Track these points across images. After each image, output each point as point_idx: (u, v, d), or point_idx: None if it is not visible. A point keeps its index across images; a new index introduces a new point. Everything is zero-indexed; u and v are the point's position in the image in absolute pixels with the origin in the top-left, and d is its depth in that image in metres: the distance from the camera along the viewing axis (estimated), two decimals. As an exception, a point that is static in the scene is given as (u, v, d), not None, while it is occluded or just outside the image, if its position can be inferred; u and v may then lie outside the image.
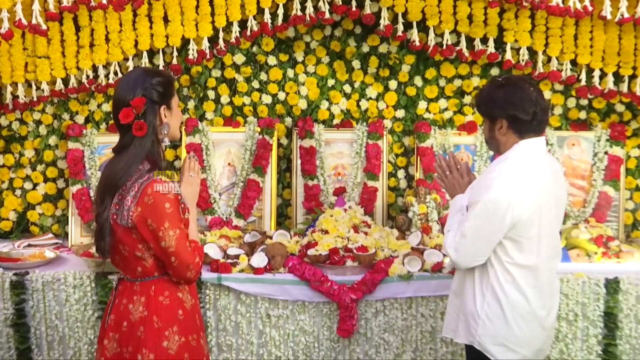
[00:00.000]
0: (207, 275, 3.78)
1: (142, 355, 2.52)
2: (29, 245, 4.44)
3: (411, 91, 4.70)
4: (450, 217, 3.00)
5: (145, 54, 4.40)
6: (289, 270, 3.82)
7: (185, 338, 2.59)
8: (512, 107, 2.81)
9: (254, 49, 4.70)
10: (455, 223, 2.90)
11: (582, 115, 4.71)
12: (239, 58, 4.67)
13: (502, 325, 2.82)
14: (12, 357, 3.90)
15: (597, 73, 4.50)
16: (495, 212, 2.72)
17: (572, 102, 4.69)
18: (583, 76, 4.53)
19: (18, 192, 4.74)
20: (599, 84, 4.53)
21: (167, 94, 2.63)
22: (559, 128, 4.70)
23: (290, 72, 4.72)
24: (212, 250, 3.96)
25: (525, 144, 2.84)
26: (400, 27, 4.40)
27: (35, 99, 4.48)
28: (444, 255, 3.78)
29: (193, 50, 4.41)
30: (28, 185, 4.74)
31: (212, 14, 4.33)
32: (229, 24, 4.39)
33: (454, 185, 3.14)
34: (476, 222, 2.75)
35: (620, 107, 4.69)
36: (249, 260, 3.88)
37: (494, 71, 4.66)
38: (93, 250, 3.82)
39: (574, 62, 4.53)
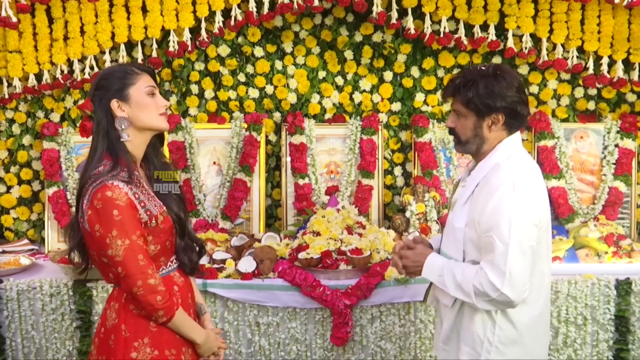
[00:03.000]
0: (191, 281, 3.80)
1: None
2: (3, 252, 4.44)
3: (408, 83, 4.72)
4: (447, 274, 2.73)
5: (122, 46, 4.42)
6: (279, 275, 3.84)
7: (160, 352, 2.56)
8: (514, 100, 2.70)
9: (239, 39, 4.70)
10: (468, 268, 2.69)
11: (591, 105, 4.73)
12: (224, 50, 4.68)
13: (519, 348, 2.72)
14: (-14, 371, 3.93)
15: (605, 60, 4.52)
16: (528, 222, 2.60)
17: (579, 92, 4.71)
18: (591, 64, 4.55)
19: (-9, 195, 4.78)
20: (608, 72, 4.54)
21: (117, 86, 2.59)
22: (566, 120, 4.72)
23: (278, 64, 4.73)
24: (197, 255, 3.98)
25: (510, 142, 2.76)
26: (394, 14, 4.41)
27: (6, 96, 4.51)
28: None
29: (174, 42, 4.42)
30: (1, 188, 4.75)
31: (194, 3, 4.35)
32: (212, 14, 4.41)
33: (414, 261, 2.88)
34: (517, 240, 2.56)
35: (631, 97, 4.72)
36: (236, 265, 3.90)
37: (496, 60, 4.67)
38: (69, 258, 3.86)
39: (580, 49, 4.55)
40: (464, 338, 2.76)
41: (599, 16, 4.45)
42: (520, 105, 2.72)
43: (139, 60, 4.41)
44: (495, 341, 2.70)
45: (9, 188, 4.75)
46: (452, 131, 2.84)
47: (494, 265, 2.57)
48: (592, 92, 4.72)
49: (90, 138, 2.63)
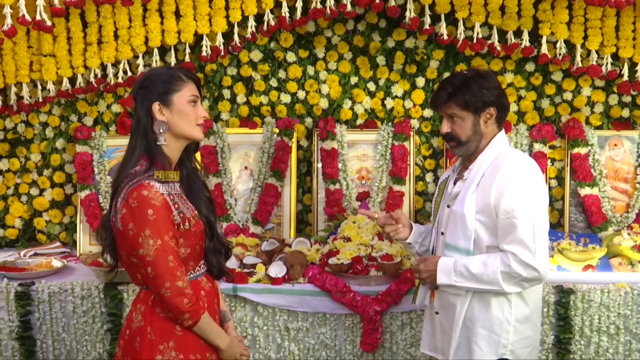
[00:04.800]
0: (222, 285, 3.77)
1: None
2: (35, 254, 4.49)
3: (440, 88, 4.69)
4: (462, 270, 2.91)
5: (156, 51, 4.46)
6: (309, 281, 3.83)
7: (185, 356, 2.56)
8: (501, 94, 2.99)
9: (272, 44, 4.72)
10: (487, 259, 2.87)
11: (625, 113, 4.68)
12: (256, 55, 4.70)
13: (529, 324, 2.97)
14: (17, 372, 3.95)
15: (640, 67, 4.48)
16: (544, 204, 2.89)
17: (613, 99, 4.66)
18: (625, 71, 4.50)
19: (24, 198, 4.81)
20: (643, 79, 4.50)
21: (161, 90, 2.61)
22: (599, 127, 4.67)
23: (310, 70, 4.74)
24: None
25: (502, 136, 3.02)
26: (427, 20, 4.40)
27: (41, 100, 4.56)
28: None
29: (206, 47, 4.45)
30: (34, 191, 4.80)
31: (227, 8, 4.37)
32: (245, 19, 4.42)
33: (428, 272, 3.03)
34: (540, 220, 2.82)
35: (666, 104, 4.66)
36: (266, 269, 3.90)
37: (529, 66, 4.64)
38: (102, 259, 3.88)
39: (615, 56, 4.50)
40: (480, 322, 2.93)
41: (634, 22, 4.41)
42: (505, 99, 3.02)
43: (172, 65, 4.44)
44: (513, 320, 2.91)
45: (42, 191, 4.80)
46: (448, 136, 3.02)
47: (522, 244, 2.78)
48: (627, 99, 4.67)
49: (123, 140, 2.64)
